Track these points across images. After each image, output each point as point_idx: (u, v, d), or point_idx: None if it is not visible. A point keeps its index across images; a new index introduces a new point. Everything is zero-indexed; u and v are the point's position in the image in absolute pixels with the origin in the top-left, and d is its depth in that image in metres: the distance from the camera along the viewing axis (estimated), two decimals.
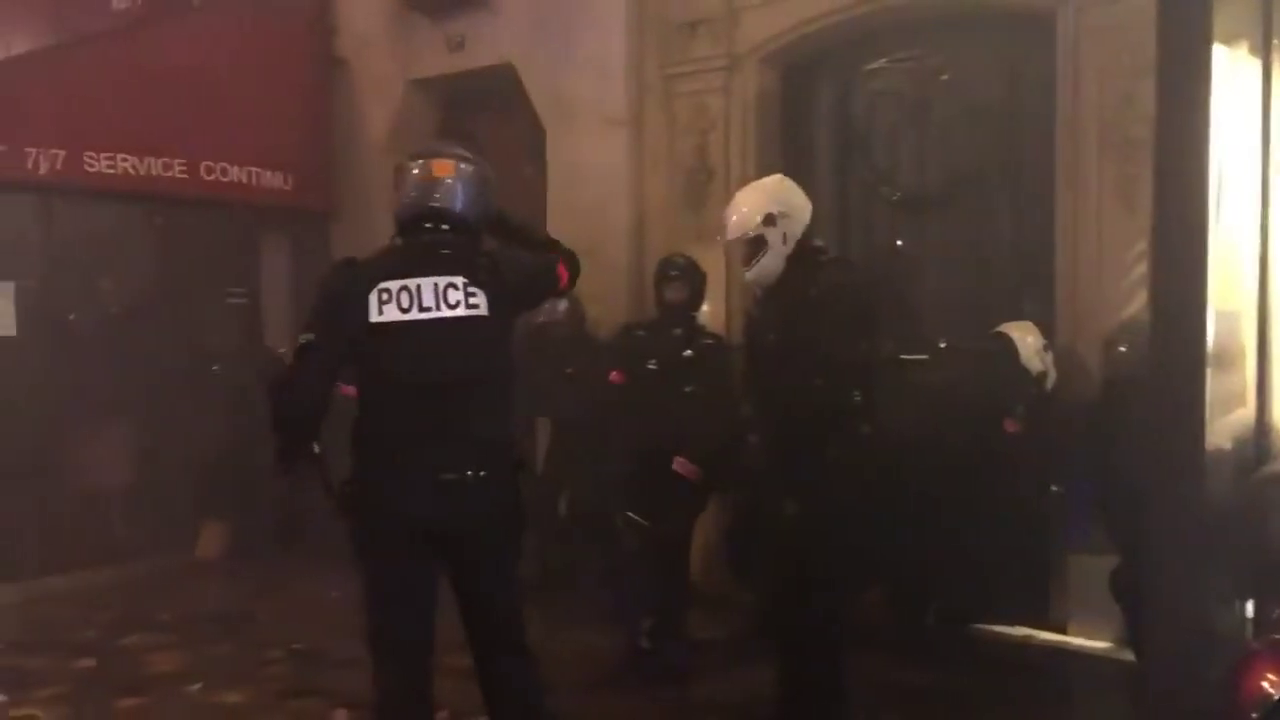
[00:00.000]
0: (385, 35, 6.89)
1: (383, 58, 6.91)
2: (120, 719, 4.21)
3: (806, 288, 3.50)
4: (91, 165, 5.91)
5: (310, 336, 2.85)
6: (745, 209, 3.63)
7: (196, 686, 4.52)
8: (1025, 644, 4.70)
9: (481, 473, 2.86)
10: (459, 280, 2.87)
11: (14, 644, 5.05)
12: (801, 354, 3.42)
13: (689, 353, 4.58)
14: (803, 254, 3.57)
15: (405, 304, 2.83)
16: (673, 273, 4.74)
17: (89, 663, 4.82)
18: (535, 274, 3.13)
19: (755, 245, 3.56)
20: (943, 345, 5.05)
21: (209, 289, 6.69)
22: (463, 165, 3.01)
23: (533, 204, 6.12)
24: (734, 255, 3.87)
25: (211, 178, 6.38)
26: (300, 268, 7.07)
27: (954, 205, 5.20)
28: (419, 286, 2.85)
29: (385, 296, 2.83)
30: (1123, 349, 4.11)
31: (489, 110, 6.76)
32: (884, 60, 5.41)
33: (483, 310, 2.89)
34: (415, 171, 3.00)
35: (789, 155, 5.60)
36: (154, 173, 6.14)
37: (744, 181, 5.52)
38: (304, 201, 6.91)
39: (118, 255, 6.44)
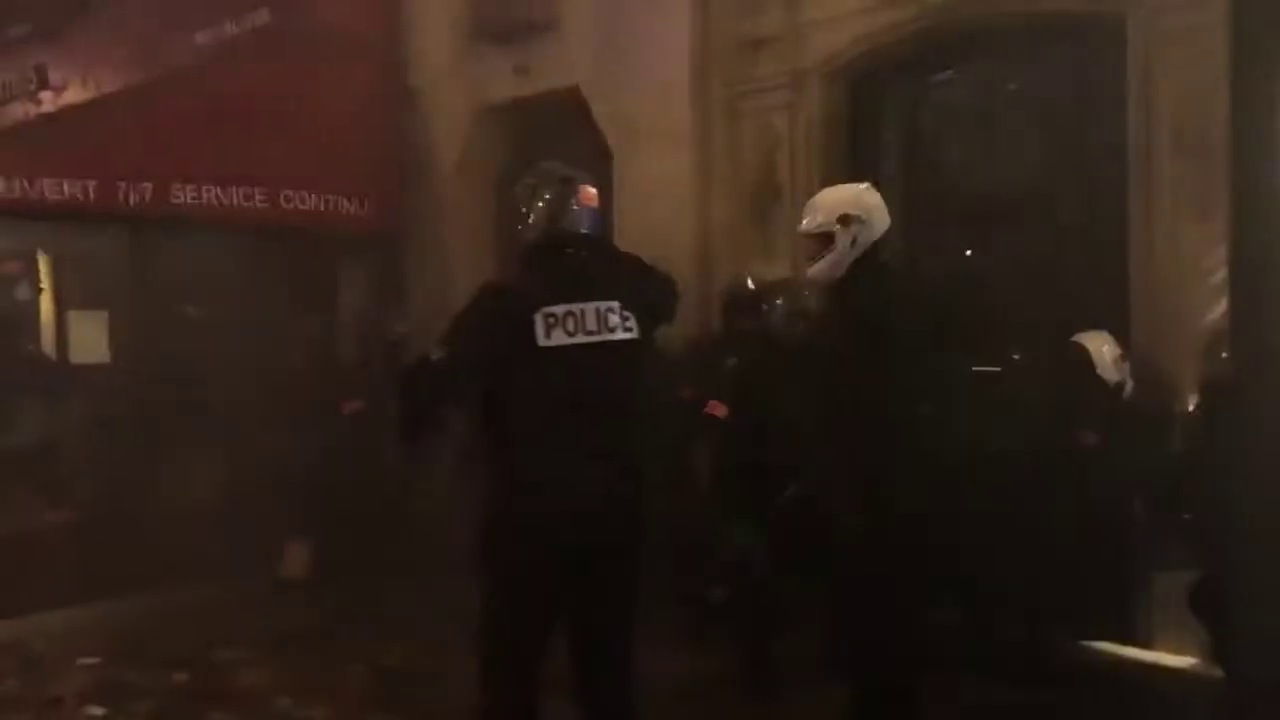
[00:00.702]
0: (455, 64, 7.07)
1: (453, 86, 7.08)
2: None
3: (869, 295, 3.51)
4: (178, 197, 6.18)
5: (445, 353, 2.89)
6: (823, 205, 3.67)
7: (284, 702, 4.64)
8: (1109, 659, 4.61)
9: (629, 491, 2.96)
10: (615, 304, 2.98)
11: (113, 657, 5.25)
12: (866, 362, 3.42)
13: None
14: (869, 262, 3.58)
15: (571, 328, 2.91)
16: (744, 303, 4.81)
17: (182, 677, 4.98)
18: (666, 297, 3.22)
19: (823, 242, 3.59)
20: (1016, 357, 5.00)
21: (290, 313, 6.92)
22: (585, 186, 3.11)
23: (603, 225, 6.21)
24: (802, 252, 3.91)
25: (290, 206, 6.62)
26: (377, 291, 7.26)
27: (1024, 216, 5.16)
28: (583, 311, 2.93)
29: (551, 321, 2.90)
30: (1225, 354, 4.01)
31: (556, 134, 6.87)
32: (950, 73, 5.40)
33: (635, 334, 3.01)
34: (553, 195, 3.07)
35: (855, 170, 5.60)
36: (237, 202, 6.39)
37: (810, 197, 5.62)
38: (378, 227, 7.10)
39: (203, 283, 6.67)
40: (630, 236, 5.85)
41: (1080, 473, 4.30)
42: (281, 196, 6.58)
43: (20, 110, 8.48)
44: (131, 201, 5.99)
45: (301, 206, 6.66)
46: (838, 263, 3.57)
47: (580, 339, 2.91)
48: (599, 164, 6.39)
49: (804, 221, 3.69)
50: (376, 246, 7.22)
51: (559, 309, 2.91)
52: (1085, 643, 4.63)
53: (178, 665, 5.10)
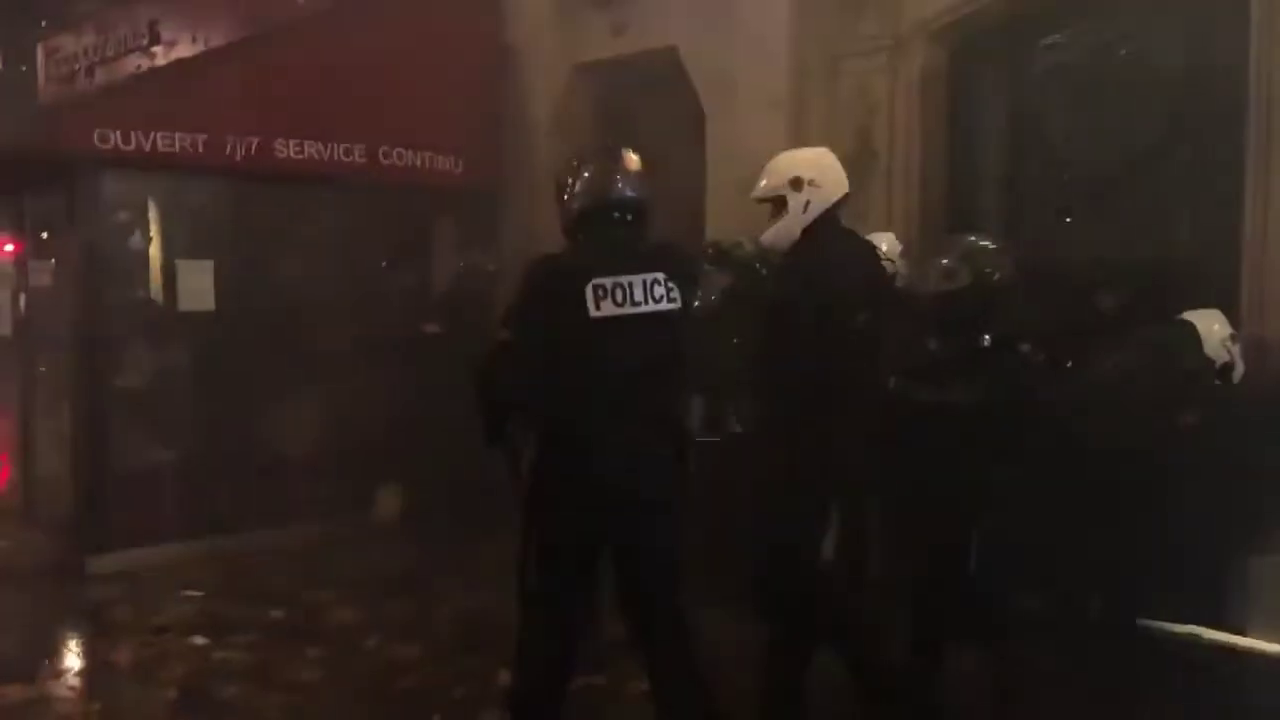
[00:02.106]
0: (552, 22, 7.08)
1: (549, 43, 7.10)
2: (306, 668, 4.54)
3: (812, 263, 3.42)
4: (281, 151, 6.33)
5: (512, 333, 3.07)
6: (775, 168, 3.55)
7: (373, 641, 4.83)
8: (1193, 642, 4.50)
9: (665, 448, 3.10)
10: (660, 276, 3.10)
11: (214, 591, 5.51)
12: (807, 321, 3.31)
13: None
14: (823, 228, 3.46)
15: (620, 299, 3.04)
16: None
17: (278, 613, 5.21)
18: (697, 272, 3.40)
19: (776, 207, 3.50)
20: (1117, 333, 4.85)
21: (385, 267, 7.08)
22: (631, 156, 3.23)
23: (691, 186, 6.20)
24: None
25: (388, 162, 6.74)
26: (469, 247, 7.37)
27: (1132, 185, 5.00)
28: (630, 283, 3.05)
29: (601, 293, 3.02)
30: None
31: (650, 93, 6.86)
32: (1058, 35, 5.23)
33: (678, 303, 3.13)
34: (597, 165, 3.20)
35: (955, 135, 5.50)
36: (336, 158, 6.53)
37: (908, 163, 5.53)
38: (473, 184, 7.19)
39: (303, 235, 6.84)
40: (721, 199, 5.84)
41: (1181, 455, 4.18)
42: (380, 152, 6.70)
43: (133, 65, 8.76)
44: (238, 155, 6.16)
45: (398, 163, 6.78)
46: (789, 227, 3.47)
47: (628, 310, 3.03)
48: (692, 125, 6.38)
49: (759, 184, 3.57)
50: (470, 202, 7.31)
51: (608, 281, 3.03)
52: (1177, 628, 4.54)
53: (275, 602, 5.33)
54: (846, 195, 3.58)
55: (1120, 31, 5.00)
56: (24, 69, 10.72)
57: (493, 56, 7.30)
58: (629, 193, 3.17)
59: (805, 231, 3.47)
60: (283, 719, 4.06)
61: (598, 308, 3.01)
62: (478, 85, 7.20)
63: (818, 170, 3.52)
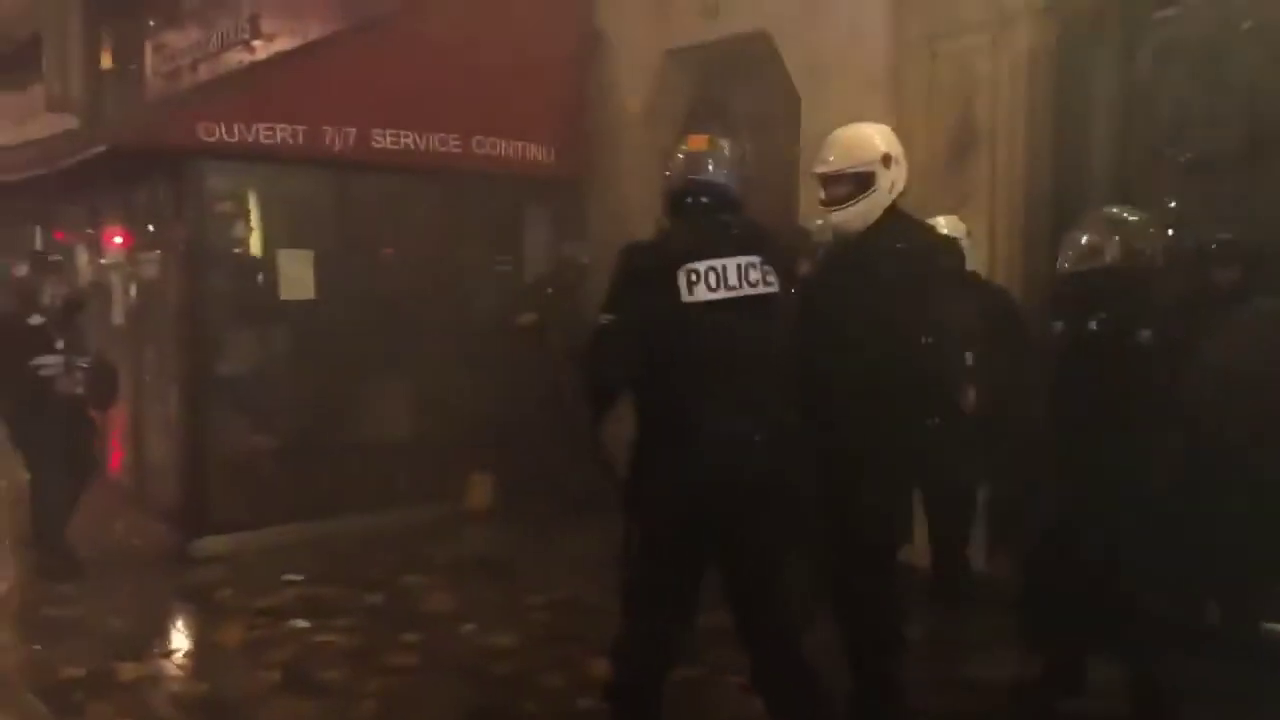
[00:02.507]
0: (642, 7, 7.02)
1: (640, 29, 7.05)
2: (404, 653, 4.60)
3: (899, 243, 3.24)
4: (378, 141, 6.42)
5: (611, 317, 3.01)
6: (857, 142, 3.33)
7: (469, 627, 4.87)
8: None
9: (764, 435, 3.01)
10: (755, 259, 3.05)
11: (314, 575, 5.62)
12: (904, 315, 3.15)
13: None
14: (902, 210, 3.32)
15: (713, 283, 2.99)
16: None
17: (376, 599, 5.29)
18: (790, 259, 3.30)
19: (860, 184, 3.27)
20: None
21: (480, 256, 7.14)
22: (721, 140, 3.21)
23: (786, 171, 6.10)
24: (819, 192, 3.48)
25: (482, 151, 6.79)
26: (560, 236, 7.38)
27: (1255, 167, 4.73)
28: (724, 266, 3.00)
29: (694, 277, 2.98)
30: None
31: (744, 78, 6.76)
32: (1175, 9, 4.97)
33: (775, 287, 3.07)
34: (687, 150, 3.21)
35: (1063, 116, 5.28)
36: (432, 147, 6.60)
37: (1012, 146, 5.32)
38: (564, 172, 7.19)
39: (400, 225, 6.93)
40: (815, 184, 5.71)
41: None
42: (473, 141, 6.75)
43: (235, 59, 8.99)
44: (337, 146, 6.26)
45: (492, 152, 6.82)
46: (873, 208, 3.29)
47: (722, 294, 2.98)
48: (787, 109, 6.26)
49: (835, 157, 3.34)
50: (561, 191, 7.32)
51: (701, 265, 2.98)
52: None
53: (372, 587, 5.42)
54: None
55: (1244, 2, 4.73)
56: (132, 66, 11.09)
57: (583, 44, 7.28)
58: (718, 178, 3.13)
59: (888, 211, 3.33)
60: (381, 704, 4.11)
61: (690, 292, 2.96)
62: (568, 73, 7.20)
63: (899, 148, 3.38)
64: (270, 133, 6.04)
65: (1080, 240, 3.61)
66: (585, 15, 7.32)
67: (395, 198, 6.83)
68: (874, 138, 3.39)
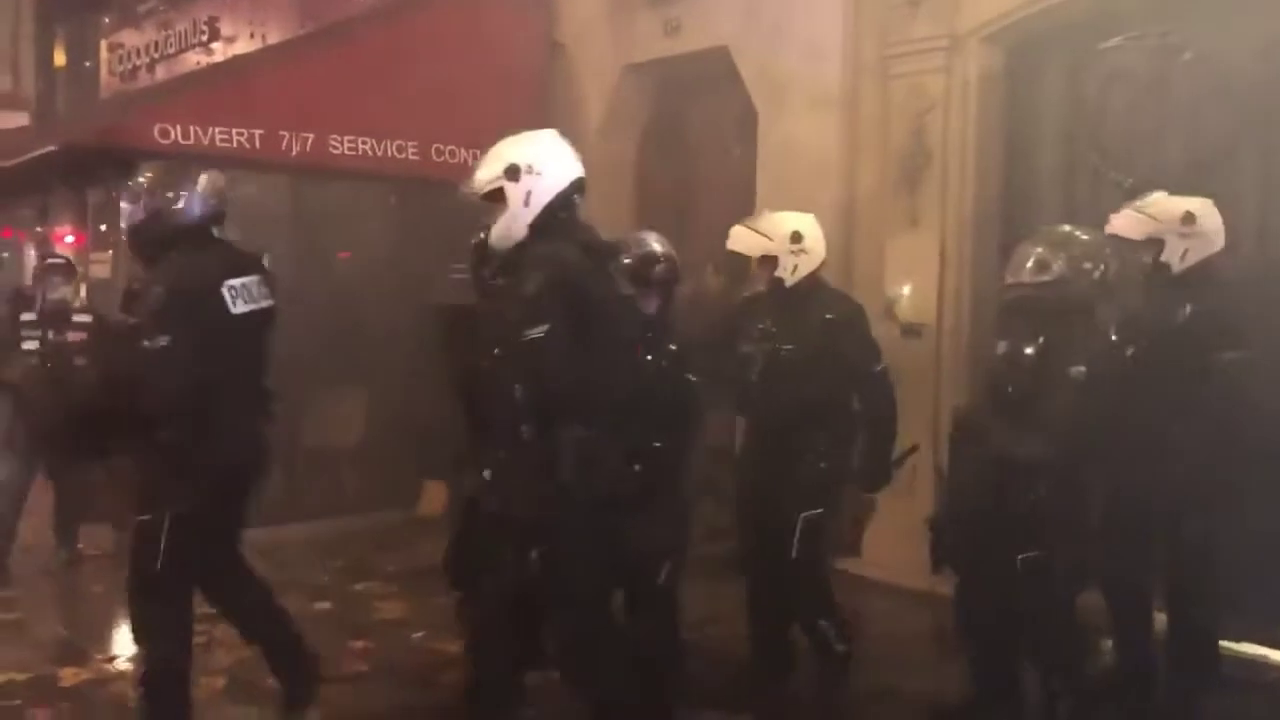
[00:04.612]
0: (603, 20, 7.08)
1: (600, 43, 7.10)
2: (353, 659, 4.58)
3: (545, 264, 3.01)
4: (335, 148, 6.39)
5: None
6: (491, 156, 3.13)
7: (419, 634, 4.86)
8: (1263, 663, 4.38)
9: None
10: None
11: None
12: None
13: None
14: (551, 224, 3.04)
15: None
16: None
17: (325, 605, 5.26)
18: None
19: (492, 199, 3.07)
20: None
21: (436, 264, 7.11)
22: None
23: (743, 185, 6.18)
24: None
25: (441, 159, 6.76)
26: None
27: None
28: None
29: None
30: None
31: (702, 93, 6.84)
32: (1119, 38, 5.12)
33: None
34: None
35: (1012, 138, 5.41)
36: (390, 154, 6.58)
37: (963, 164, 5.44)
38: None
39: (356, 232, 6.91)
40: (772, 197, 5.78)
41: None
42: (433, 149, 6.74)
43: (193, 60, 8.93)
44: (294, 151, 6.24)
45: (451, 160, 6.80)
46: (511, 224, 3.05)
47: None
48: (744, 125, 6.35)
49: (466, 183, 3.17)
50: None
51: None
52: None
53: (320, 594, 5.38)
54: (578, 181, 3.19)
55: (1185, 34, 4.88)
56: (87, 64, 10.97)
57: (544, 55, 7.31)
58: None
59: (533, 229, 3.09)
60: (330, 711, 4.07)
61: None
62: (528, 84, 7.22)
63: (537, 158, 3.10)
64: (226, 136, 6.00)
65: (1028, 254, 3.53)
66: (545, 27, 7.35)
67: (351, 204, 6.81)
68: (507, 150, 3.14)
